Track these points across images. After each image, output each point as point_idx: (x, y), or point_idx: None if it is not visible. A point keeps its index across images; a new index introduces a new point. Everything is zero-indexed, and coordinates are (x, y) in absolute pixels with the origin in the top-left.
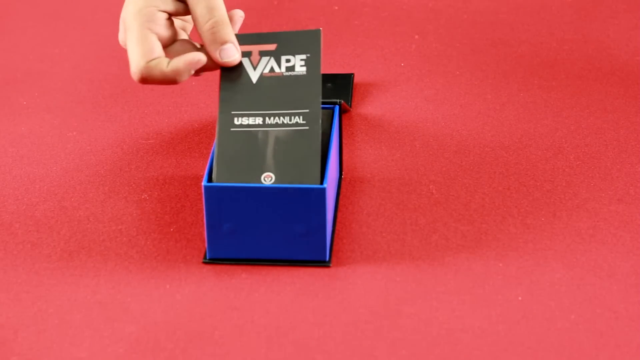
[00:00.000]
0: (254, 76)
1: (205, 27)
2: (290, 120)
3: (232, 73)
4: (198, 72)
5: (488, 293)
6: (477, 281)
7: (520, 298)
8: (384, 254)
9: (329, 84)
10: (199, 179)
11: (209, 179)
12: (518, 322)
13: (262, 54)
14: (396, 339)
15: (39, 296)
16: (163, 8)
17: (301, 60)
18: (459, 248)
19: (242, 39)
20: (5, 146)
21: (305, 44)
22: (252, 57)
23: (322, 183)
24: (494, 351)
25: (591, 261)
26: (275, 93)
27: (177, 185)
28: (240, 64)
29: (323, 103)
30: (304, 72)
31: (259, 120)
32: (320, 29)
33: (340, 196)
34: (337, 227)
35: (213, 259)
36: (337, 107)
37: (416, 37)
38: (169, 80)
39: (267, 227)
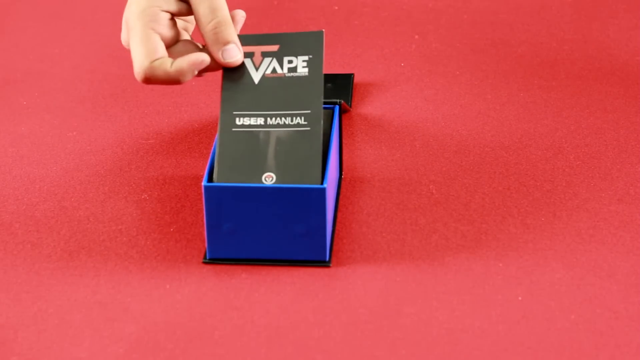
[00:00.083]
0: (256, 77)
1: (207, 28)
2: (291, 120)
3: (234, 73)
4: (200, 73)
5: (488, 293)
6: (477, 281)
7: (520, 298)
8: (384, 254)
9: (329, 84)
10: (199, 179)
11: (209, 179)
12: (518, 322)
13: (265, 54)
14: (396, 339)
15: (39, 296)
16: (166, 8)
17: (303, 61)
18: (459, 248)
19: (245, 39)
20: (5, 146)
21: (307, 45)
22: (254, 58)
23: (322, 183)
24: (494, 351)
25: (591, 261)
26: (277, 94)
27: (177, 185)
28: (243, 64)
29: (323, 103)
30: (306, 73)
31: (260, 121)
32: (323, 30)
33: (340, 196)
34: (337, 227)
35: (213, 259)
36: (337, 107)
37: (416, 37)
38: (173, 80)
39: (267, 227)
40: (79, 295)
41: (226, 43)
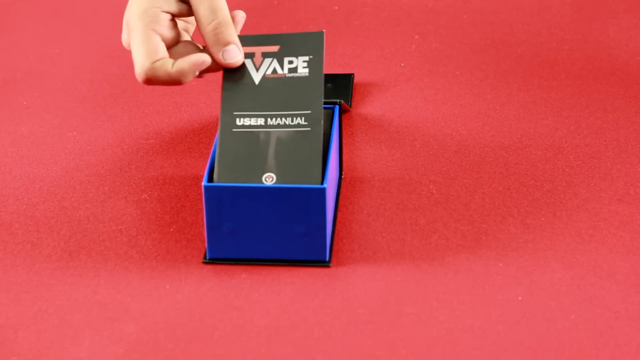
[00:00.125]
0: (257, 77)
1: (208, 28)
2: (292, 121)
3: (234, 74)
4: (201, 74)
5: (488, 293)
6: (477, 281)
7: (520, 298)
8: (384, 254)
9: (329, 84)
10: (199, 179)
11: (209, 179)
12: (518, 322)
13: (265, 55)
14: (396, 339)
15: (39, 296)
16: (167, 9)
17: (304, 62)
18: (459, 248)
19: (245, 40)
20: (5, 146)
21: (308, 46)
22: (254, 59)
23: (322, 183)
24: (494, 351)
25: (591, 261)
26: (278, 94)
27: (177, 185)
28: (243, 65)
29: (323, 103)
30: (307, 74)
31: (260, 121)
32: (324, 31)
33: (340, 196)
34: (337, 227)
35: (213, 259)
36: (337, 107)
37: (416, 37)
38: (174, 81)
39: (267, 227)
40: (79, 295)
41: (227, 44)
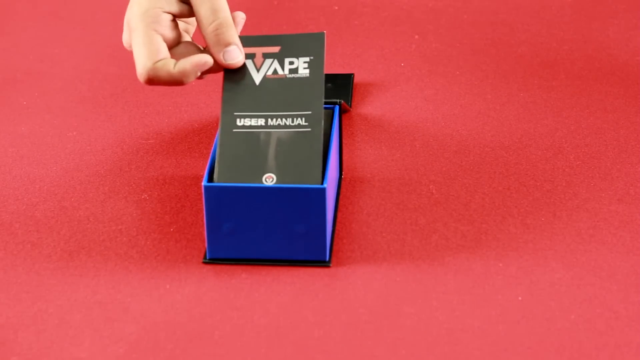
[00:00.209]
0: (257, 78)
1: (209, 29)
2: (292, 121)
3: (235, 75)
4: (202, 74)
5: (488, 293)
6: (477, 281)
7: (520, 298)
8: (384, 254)
9: (329, 84)
10: (199, 179)
11: (209, 179)
12: (518, 322)
13: (266, 56)
14: (396, 339)
15: (39, 296)
16: (168, 9)
17: (304, 62)
18: (459, 248)
19: (246, 41)
20: (5, 146)
21: (308, 47)
22: (255, 59)
23: (322, 183)
24: (494, 351)
25: (591, 261)
26: (278, 95)
27: (177, 185)
28: (244, 65)
29: (324, 103)
30: (307, 75)
31: (261, 122)
32: (324, 32)
33: (340, 196)
34: (337, 227)
35: (213, 259)
36: (337, 107)
37: (416, 37)
38: (176, 81)
39: (267, 227)
40: (79, 295)
41: (227, 44)
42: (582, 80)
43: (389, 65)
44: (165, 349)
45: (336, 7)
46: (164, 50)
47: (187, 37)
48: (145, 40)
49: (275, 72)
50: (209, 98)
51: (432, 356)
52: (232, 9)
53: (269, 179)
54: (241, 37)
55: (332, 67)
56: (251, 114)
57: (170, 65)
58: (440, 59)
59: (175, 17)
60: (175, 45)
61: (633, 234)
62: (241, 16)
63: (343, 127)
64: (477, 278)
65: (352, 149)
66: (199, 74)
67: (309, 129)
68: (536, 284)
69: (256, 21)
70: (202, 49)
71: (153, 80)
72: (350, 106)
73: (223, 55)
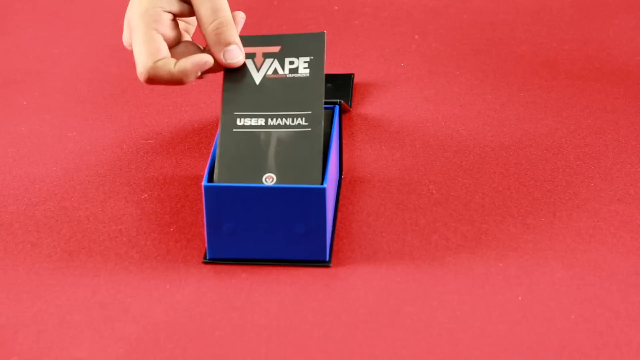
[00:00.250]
0: (257, 78)
1: (209, 29)
2: (292, 121)
3: (235, 74)
4: (202, 74)
5: (488, 293)
6: (477, 281)
7: (520, 298)
8: (384, 254)
9: (329, 84)
10: (199, 179)
11: (209, 179)
12: (518, 322)
13: (266, 55)
14: (396, 339)
15: (39, 296)
16: (168, 9)
17: (305, 62)
18: (459, 248)
19: (246, 40)
20: (5, 146)
21: (309, 47)
22: (255, 59)
23: (322, 183)
24: (494, 351)
25: (591, 261)
26: (278, 95)
27: (177, 185)
28: (244, 65)
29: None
30: (307, 75)
31: (261, 122)
32: (325, 32)
33: (340, 196)
34: (337, 227)
35: (213, 259)
36: (337, 107)
37: (416, 37)
38: (176, 80)
39: (267, 227)
40: (79, 295)
41: (228, 44)
42: (582, 80)
43: (389, 65)
44: (165, 349)
45: (336, 7)
46: (165, 50)
47: (187, 37)
48: (145, 40)
49: (275, 71)
50: (209, 98)
51: (432, 356)
52: (232, 8)
53: (269, 179)
54: (241, 37)
55: (332, 67)
56: (251, 114)
57: (171, 65)
58: (440, 59)
59: (175, 16)
60: (175, 44)
61: (633, 234)
62: (241, 16)
63: (343, 127)
64: (477, 278)
65: (352, 149)
66: (199, 73)
67: (309, 129)
68: (536, 284)
69: (256, 21)
70: (202, 48)
71: (153, 80)
72: (350, 106)
73: (223, 55)
